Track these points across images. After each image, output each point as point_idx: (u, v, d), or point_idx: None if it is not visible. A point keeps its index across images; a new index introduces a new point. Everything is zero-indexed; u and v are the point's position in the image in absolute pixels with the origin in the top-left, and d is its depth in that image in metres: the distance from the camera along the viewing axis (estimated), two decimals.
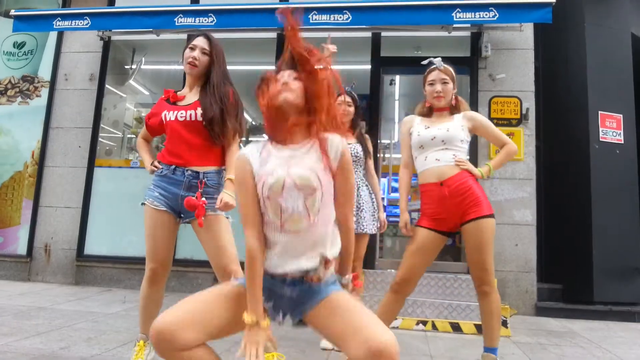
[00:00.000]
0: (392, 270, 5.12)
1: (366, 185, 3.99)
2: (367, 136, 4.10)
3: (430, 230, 3.08)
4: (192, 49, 3.00)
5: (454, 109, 3.25)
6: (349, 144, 3.80)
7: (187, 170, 2.87)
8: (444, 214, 3.05)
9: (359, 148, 3.92)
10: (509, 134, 5.68)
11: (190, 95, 3.04)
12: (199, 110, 2.88)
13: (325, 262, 1.89)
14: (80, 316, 4.39)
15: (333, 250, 1.95)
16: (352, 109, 3.97)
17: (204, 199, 2.79)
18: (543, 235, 5.97)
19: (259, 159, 1.95)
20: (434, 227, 3.08)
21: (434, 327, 4.57)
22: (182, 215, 2.94)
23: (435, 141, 3.11)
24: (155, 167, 2.98)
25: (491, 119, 5.75)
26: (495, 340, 3.08)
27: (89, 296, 5.43)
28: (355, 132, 4.00)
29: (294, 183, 1.85)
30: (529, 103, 5.76)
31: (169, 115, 2.96)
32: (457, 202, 3.01)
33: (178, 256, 6.08)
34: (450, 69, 3.24)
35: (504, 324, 4.48)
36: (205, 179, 2.87)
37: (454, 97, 3.23)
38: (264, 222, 1.93)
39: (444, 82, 3.18)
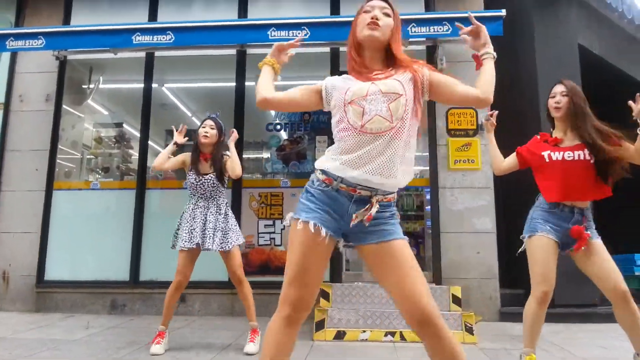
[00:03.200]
0: (359, 283, 5.16)
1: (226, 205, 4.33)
2: (225, 160, 4.29)
3: None
4: None
5: None
6: (206, 174, 4.19)
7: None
8: None
9: (213, 177, 4.21)
10: (466, 144, 5.84)
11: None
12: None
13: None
14: (42, 344, 4.26)
15: (404, 178, 2.05)
16: (214, 132, 4.25)
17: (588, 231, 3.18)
18: (504, 242, 6.11)
19: (340, 80, 2.18)
20: None
21: (402, 337, 4.62)
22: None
23: None
24: None
25: (449, 130, 5.91)
26: None
27: (50, 323, 5.28)
28: (213, 161, 4.28)
29: (378, 89, 2.02)
30: (485, 113, 5.91)
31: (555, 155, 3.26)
32: None
33: (143, 278, 6.01)
34: None
35: (470, 330, 4.57)
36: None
37: None
38: (341, 130, 2.06)
39: None
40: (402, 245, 2.01)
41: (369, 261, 2.07)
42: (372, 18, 2.10)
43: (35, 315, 5.80)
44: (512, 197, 6.36)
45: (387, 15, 2.13)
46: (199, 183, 4.18)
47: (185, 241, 4.10)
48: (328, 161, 2.06)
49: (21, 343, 4.32)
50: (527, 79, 6.28)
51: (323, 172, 2.05)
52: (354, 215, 1.99)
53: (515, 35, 6.38)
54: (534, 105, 6.09)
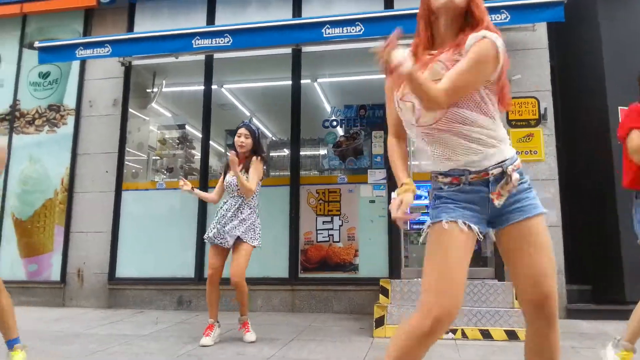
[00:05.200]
0: (419, 279, 5.11)
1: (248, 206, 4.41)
2: (257, 162, 4.39)
3: None
4: None
5: None
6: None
7: None
8: None
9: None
10: (528, 135, 5.66)
11: None
12: None
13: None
14: (114, 339, 4.48)
15: (502, 150, 1.86)
16: (249, 141, 4.42)
17: None
18: (569, 236, 5.89)
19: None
20: None
21: (464, 335, 4.55)
22: None
23: None
24: None
25: (509, 121, 5.74)
26: None
27: (121, 319, 5.54)
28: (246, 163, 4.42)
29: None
30: (547, 102, 5.71)
31: None
32: None
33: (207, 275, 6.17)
34: None
35: None
36: None
37: None
38: (407, 130, 1.96)
39: None
40: (542, 222, 1.92)
41: (509, 243, 1.92)
42: None
43: (108, 311, 6.11)
44: (579, 190, 6.11)
45: None
46: (227, 183, 4.42)
47: (212, 236, 4.42)
48: (432, 165, 1.93)
49: (95, 338, 4.55)
50: (591, 66, 5.99)
51: (443, 174, 1.91)
52: (495, 193, 1.84)
53: (578, 20, 6.10)
54: (600, 95, 5.81)
